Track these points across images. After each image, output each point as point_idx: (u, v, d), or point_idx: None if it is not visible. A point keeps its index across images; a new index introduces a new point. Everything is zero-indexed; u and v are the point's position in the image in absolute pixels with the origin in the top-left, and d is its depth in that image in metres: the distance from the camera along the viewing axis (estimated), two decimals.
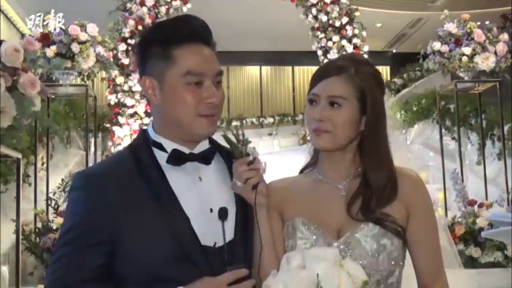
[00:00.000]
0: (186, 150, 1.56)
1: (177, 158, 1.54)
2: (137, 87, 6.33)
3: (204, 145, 1.60)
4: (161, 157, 1.55)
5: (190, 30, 1.53)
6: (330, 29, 7.36)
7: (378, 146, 1.60)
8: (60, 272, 1.45)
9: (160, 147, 1.56)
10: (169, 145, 1.55)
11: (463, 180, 5.15)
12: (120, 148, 6.06)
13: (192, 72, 1.50)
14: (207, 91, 1.51)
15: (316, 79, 1.60)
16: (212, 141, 1.64)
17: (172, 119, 1.53)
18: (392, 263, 1.53)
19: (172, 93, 1.51)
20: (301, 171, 1.73)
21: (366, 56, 6.75)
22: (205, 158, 1.57)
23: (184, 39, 1.51)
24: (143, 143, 1.58)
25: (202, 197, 1.53)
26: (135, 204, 1.47)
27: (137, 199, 1.48)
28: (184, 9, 6.93)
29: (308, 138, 1.70)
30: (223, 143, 1.61)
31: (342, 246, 1.52)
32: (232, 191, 1.57)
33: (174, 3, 6.85)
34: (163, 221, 1.46)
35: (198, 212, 1.50)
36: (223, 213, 1.47)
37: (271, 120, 12.88)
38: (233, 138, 1.56)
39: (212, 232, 1.48)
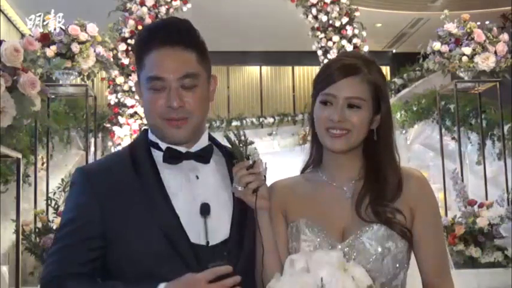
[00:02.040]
0: (183, 149, 1.57)
1: (172, 157, 1.56)
2: None
3: (202, 143, 1.60)
4: (158, 156, 1.57)
5: (160, 36, 1.53)
6: (330, 29, 7.35)
7: (391, 144, 1.61)
8: (53, 266, 1.48)
9: (157, 146, 1.58)
10: (164, 144, 1.58)
11: (463, 180, 5.14)
12: (120, 148, 6.06)
13: (152, 78, 1.52)
14: (166, 96, 1.51)
15: (328, 78, 1.56)
16: (212, 139, 1.65)
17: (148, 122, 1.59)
18: (397, 265, 1.52)
19: (144, 98, 1.56)
20: (302, 171, 1.72)
21: None
22: (202, 157, 1.58)
23: (154, 45, 1.53)
24: (142, 142, 1.61)
25: (197, 196, 1.53)
26: (128, 201, 1.50)
27: (130, 196, 1.50)
28: (184, 9, 6.92)
29: (309, 138, 1.69)
30: (225, 143, 1.61)
31: (346, 249, 1.51)
32: (231, 189, 1.57)
33: (174, 3, 6.83)
34: (153, 219, 1.48)
35: (191, 210, 1.50)
36: (204, 209, 1.47)
37: (271, 120, 12.85)
38: (234, 139, 1.56)
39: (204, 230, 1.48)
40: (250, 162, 1.53)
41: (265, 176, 1.57)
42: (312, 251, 1.49)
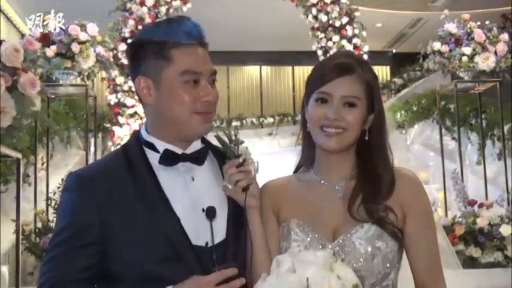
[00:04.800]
0: (179, 151, 1.56)
1: (169, 158, 1.55)
2: None
3: (196, 145, 1.60)
4: (153, 157, 1.56)
5: (185, 31, 1.55)
6: (330, 29, 7.35)
7: (384, 143, 1.61)
8: (50, 274, 1.47)
9: (153, 147, 1.57)
10: (161, 145, 1.56)
11: (463, 180, 5.15)
12: None
13: (189, 71, 1.52)
14: (203, 90, 1.53)
15: (324, 77, 1.57)
16: (205, 142, 1.65)
17: (168, 118, 1.54)
18: (388, 265, 1.52)
19: (169, 92, 1.52)
20: (296, 171, 1.72)
21: (366, 56, 6.75)
22: (197, 158, 1.57)
23: (180, 40, 1.53)
24: (135, 144, 1.59)
25: (194, 197, 1.53)
26: (125, 205, 1.48)
27: (127, 199, 1.49)
28: (185, 9, 6.92)
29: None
30: (217, 144, 1.61)
31: (336, 249, 1.50)
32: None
33: (174, 3, 6.83)
34: (153, 221, 1.47)
35: (189, 212, 1.51)
36: (211, 213, 1.47)
37: (271, 120, 12.85)
38: (226, 139, 1.57)
39: (204, 232, 1.49)
40: (240, 160, 1.53)
41: (255, 175, 1.56)
42: (301, 250, 1.48)
